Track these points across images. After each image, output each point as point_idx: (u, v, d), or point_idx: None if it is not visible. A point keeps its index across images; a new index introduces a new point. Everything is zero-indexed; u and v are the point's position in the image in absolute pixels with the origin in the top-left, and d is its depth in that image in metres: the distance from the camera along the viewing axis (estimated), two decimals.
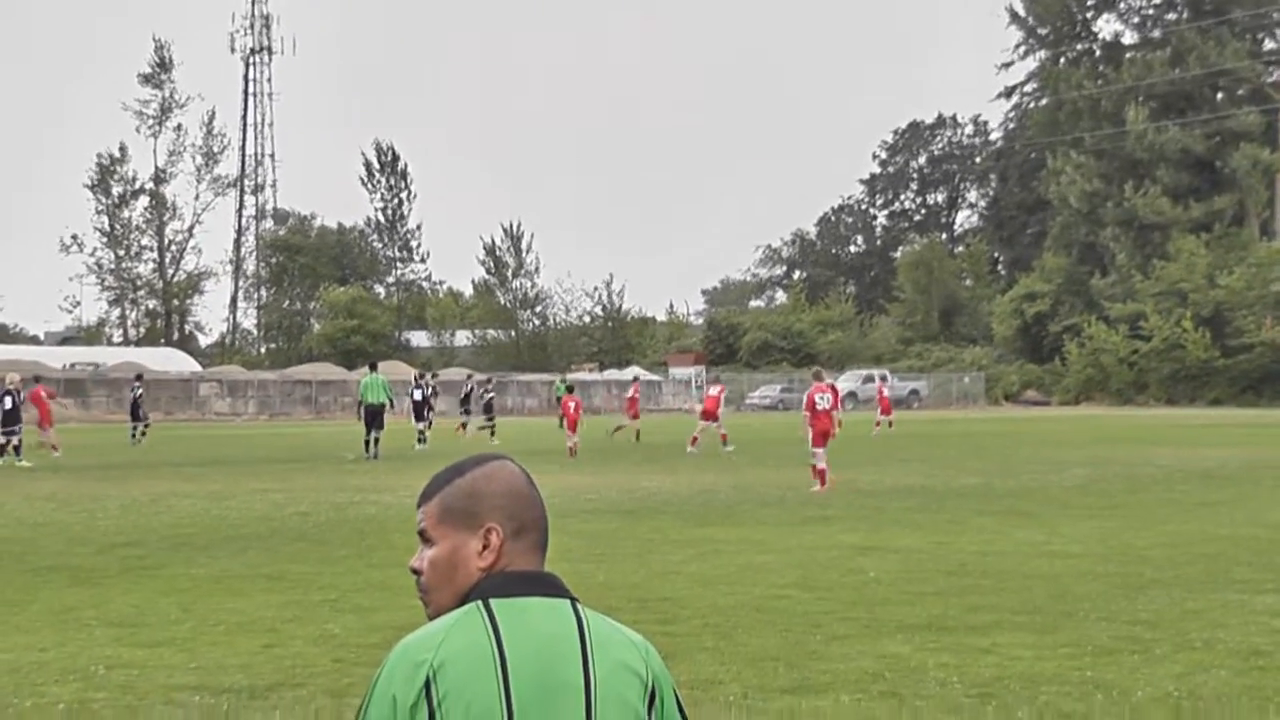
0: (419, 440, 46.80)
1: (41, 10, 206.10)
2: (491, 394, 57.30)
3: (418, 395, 48.78)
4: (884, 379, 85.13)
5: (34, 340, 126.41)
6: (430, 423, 48.45)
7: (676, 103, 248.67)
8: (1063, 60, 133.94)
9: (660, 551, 18.01)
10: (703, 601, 13.93)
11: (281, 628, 12.69)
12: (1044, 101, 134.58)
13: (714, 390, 45.62)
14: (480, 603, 2.99)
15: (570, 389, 49.24)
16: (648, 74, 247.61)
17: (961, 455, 40.23)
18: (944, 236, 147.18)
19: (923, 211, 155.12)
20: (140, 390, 56.10)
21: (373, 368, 46.01)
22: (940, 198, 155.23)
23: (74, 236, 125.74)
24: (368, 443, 40.92)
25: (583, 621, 2.99)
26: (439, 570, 3.09)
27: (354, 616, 13.24)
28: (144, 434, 52.80)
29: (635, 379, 63.06)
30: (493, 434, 53.76)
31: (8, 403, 40.25)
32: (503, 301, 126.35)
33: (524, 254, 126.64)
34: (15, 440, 39.17)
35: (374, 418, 41.55)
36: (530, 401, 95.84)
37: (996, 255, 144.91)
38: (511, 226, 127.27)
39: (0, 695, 10.24)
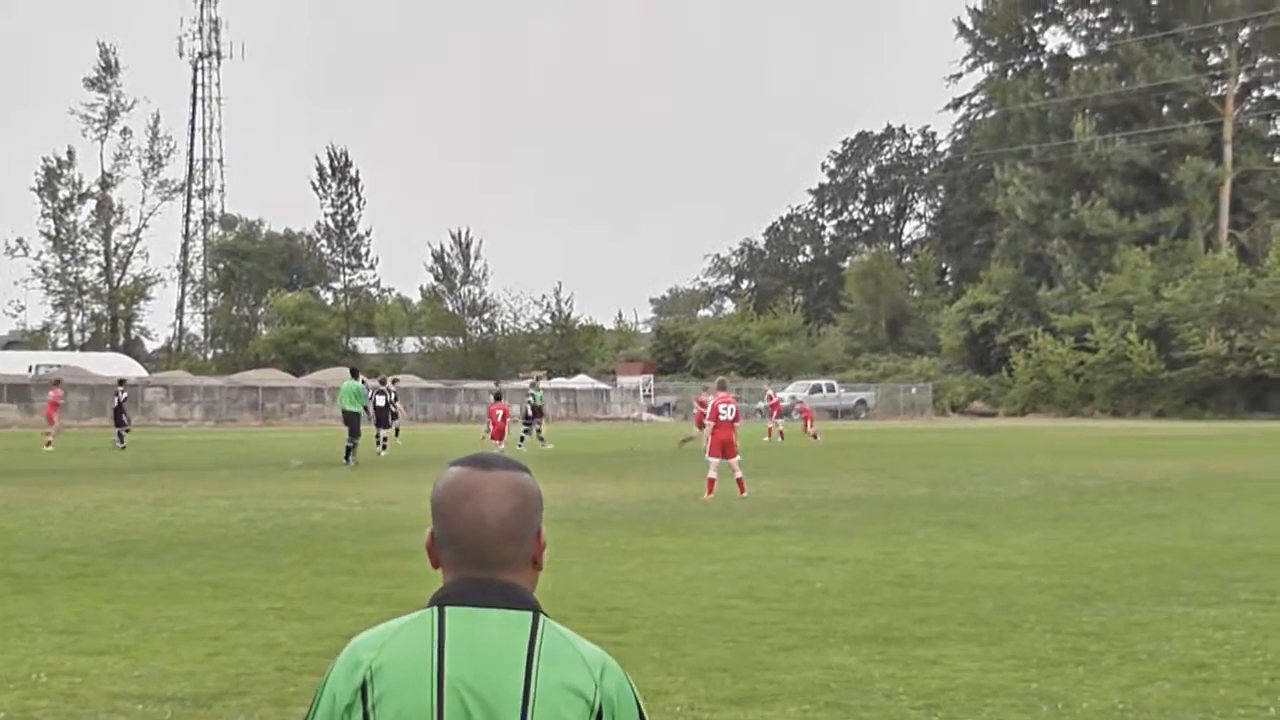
0: (380, 446, 46.75)
1: None
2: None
3: (380, 401, 48.76)
4: (831, 389, 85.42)
5: None
6: (397, 430, 48.48)
7: (624, 111, 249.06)
8: (1010, 72, 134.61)
9: (608, 560, 17.99)
10: (650, 611, 13.93)
11: (226, 635, 12.62)
12: (992, 113, 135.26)
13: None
14: (436, 608, 3.00)
15: (499, 396, 49.11)
16: (595, 82, 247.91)
17: (908, 466, 40.34)
18: (892, 247, 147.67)
19: (871, 222, 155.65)
20: (125, 395, 56.16)
21: (353, 374, 46.13)
22: (888, 208, 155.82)
23: (19, 240, 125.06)
24: (351, 449, 41.01)
25: (536, 637, 2.97)
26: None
27: (300, 624, 13.18)
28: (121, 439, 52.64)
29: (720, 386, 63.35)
30: (539, 438, 53.62)
31: None
32: (451, 309, 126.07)
33: (472, 261, 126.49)
34: None
35: (349, 424, 41.71)
36: (478, 409, 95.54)
37: (944, 266, 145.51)
38: (460, 234, 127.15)
39: None
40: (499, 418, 44.92)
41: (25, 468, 39.23)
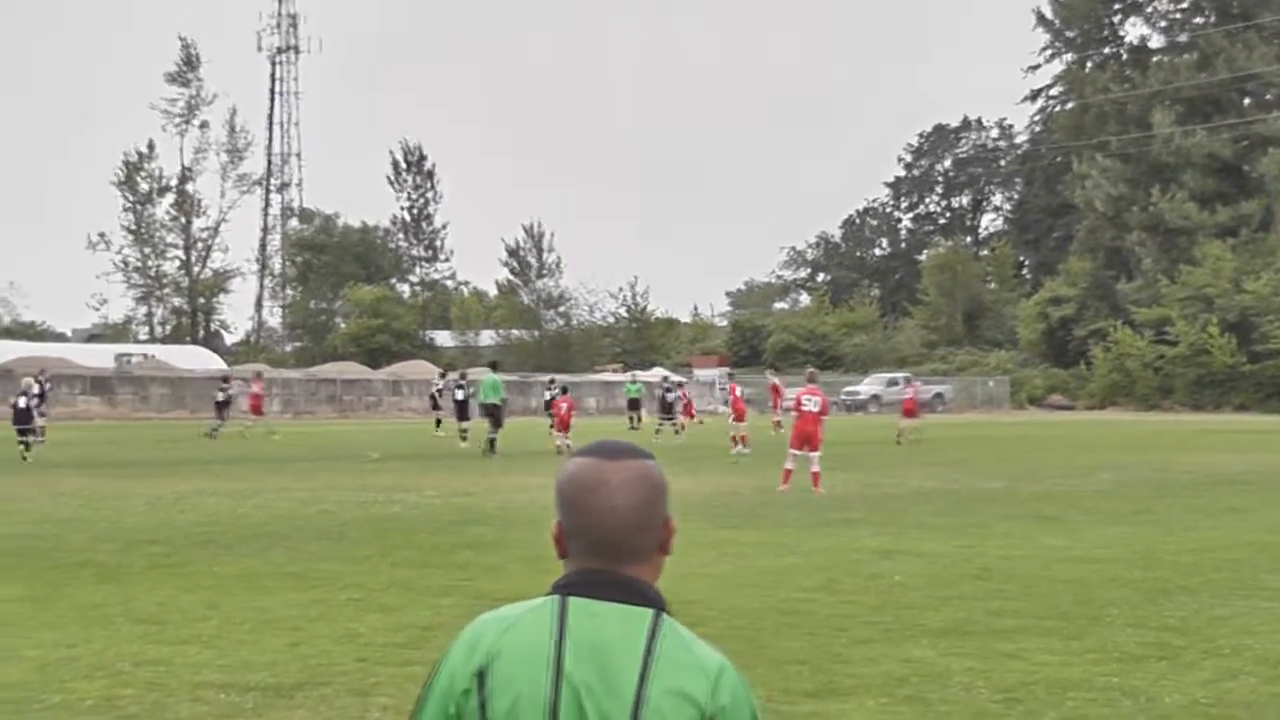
0: (462, 438, 47.09)
1: (70, 10, 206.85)
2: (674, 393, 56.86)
3: (460, 395, 49.11)
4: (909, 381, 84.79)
5: (61, 338, 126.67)
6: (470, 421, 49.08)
7: (702, 103, 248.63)
8: (1089, 64, 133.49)
9: (684, 553, 17.95)
10: (727, 604, 13.92)
11: (306, 626, 12.72)
12: (1070, 105, 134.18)
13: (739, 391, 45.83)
14: (559, 598, 3.00)
15: (564, 390, 49.20)
16: (675, 74, 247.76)
17: (985, 459, 40.12)
18: (969, 240, 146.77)
19: (948, 215, 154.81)
20: (232, 390, 57.42)
21: (492, 367, 46.68)
22: (965, 201, 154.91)
23: (101, 234, 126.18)
24: (493, 440, 41.62)
25: (655, 638, 2.95)
26: None
27: (378, 615, 13.25)
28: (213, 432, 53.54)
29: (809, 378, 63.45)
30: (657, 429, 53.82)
31: (21, 403, 40.69)
32: (526, 301, 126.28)
33: (545, 254, 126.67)
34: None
35: (491, 416, 42.24)
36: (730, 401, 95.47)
37: (1022, 259, 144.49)
38: (532, 227, 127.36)
39: (29, 691, 10.28)
40: (563, 410, 45.04)
41: (106, 460, 39.61)
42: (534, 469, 33.02)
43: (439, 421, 58.24)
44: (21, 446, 40.12)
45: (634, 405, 65.74)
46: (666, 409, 55.23)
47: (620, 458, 3.10)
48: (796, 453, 28.81)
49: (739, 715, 2.98)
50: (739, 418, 43.94)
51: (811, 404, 29.24)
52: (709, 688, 2.94)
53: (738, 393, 45.48)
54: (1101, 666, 10.97)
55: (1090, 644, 11.88)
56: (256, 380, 60.51)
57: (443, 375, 52.40)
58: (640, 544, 3.07)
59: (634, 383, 70.89)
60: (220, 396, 56.92)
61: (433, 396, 62.31)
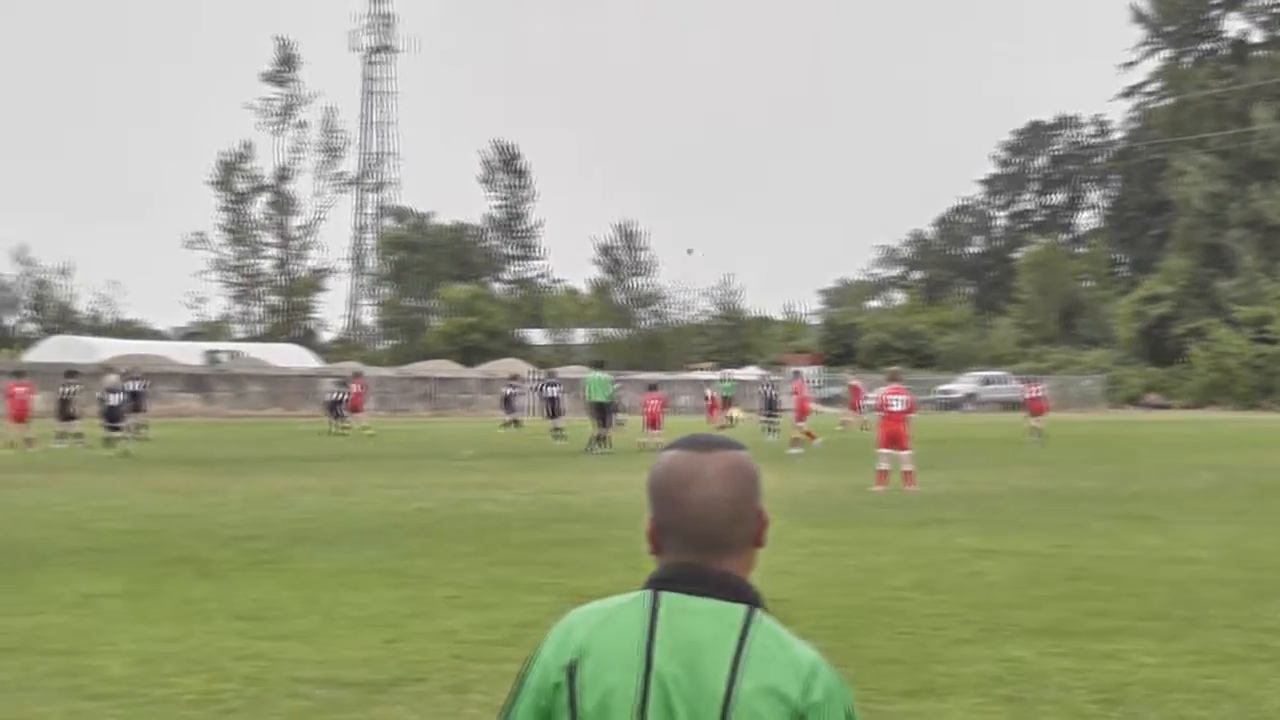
0: (556, 437, 47.36)
1: (167, 11, 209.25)
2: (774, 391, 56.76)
3: (552, 392, 49.57)
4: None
5: (159, 336, 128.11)
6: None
7: (795, 100, 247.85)
8: (1188, 59, 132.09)
9: (775, 551, 17.90)
10: (820, 603, 13.89)
11: (403, 623, 12.80)
12: (1168, 101, 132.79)
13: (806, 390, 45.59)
14: (651, 593, 3.01)
15: (653, 387, 49.18)
16: (768, 69, 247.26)
17: (1081, 458, 39.82)
18: (1064, 237, 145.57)
19: (1043, 212, 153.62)
20: (340, 394, 58.97)
21: (597, 366, 46.83)
22: (1061, 198, 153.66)
23: (198, 233, 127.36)
24: (599, 438, 41.84)
25: (747, 634, 2.95)
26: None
27: (474, 613, 13.31)
28: (343, 430, 55.17)
29: (890, 377, 63.15)
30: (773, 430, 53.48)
31: (113, 400, 41.56)
32: (619, 300, 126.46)
33: (638, 253, 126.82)
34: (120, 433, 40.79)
35: (600, 413, 42.37)
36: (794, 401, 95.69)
37: (1118, 257, 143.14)
38: (625, 225, 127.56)
39: (130, 685, 10.41)
40: (653, 407, 45.15)
41: (204, 456, 40.05)
42: (628, 467, 33.07)
43: (516, 422, 58.49)
44: (108, 441, 41.24)
45: (726, 403, 65.78)
46: (771, 406, 54.92)
47: (713, 449, 3.11)
48: (886, 452, 28.72)
49: (833, 713, 2.97)
50: (800, 416, 43.81)
51: (898, 403, 29.17)
52: (801, 685, 2.94)
53: (805, 392, 45.24)
54: (1201, 668, 10.86)
55: (1190, 645, 11.76)
56: (356, 379, 61.24)
57: (514, 378, 53.00)
58: (735, 536, 3.07)
59: (726, 380, 71.06)
60: (331, 396, 57.96)
61: (506, 398, 62.61)
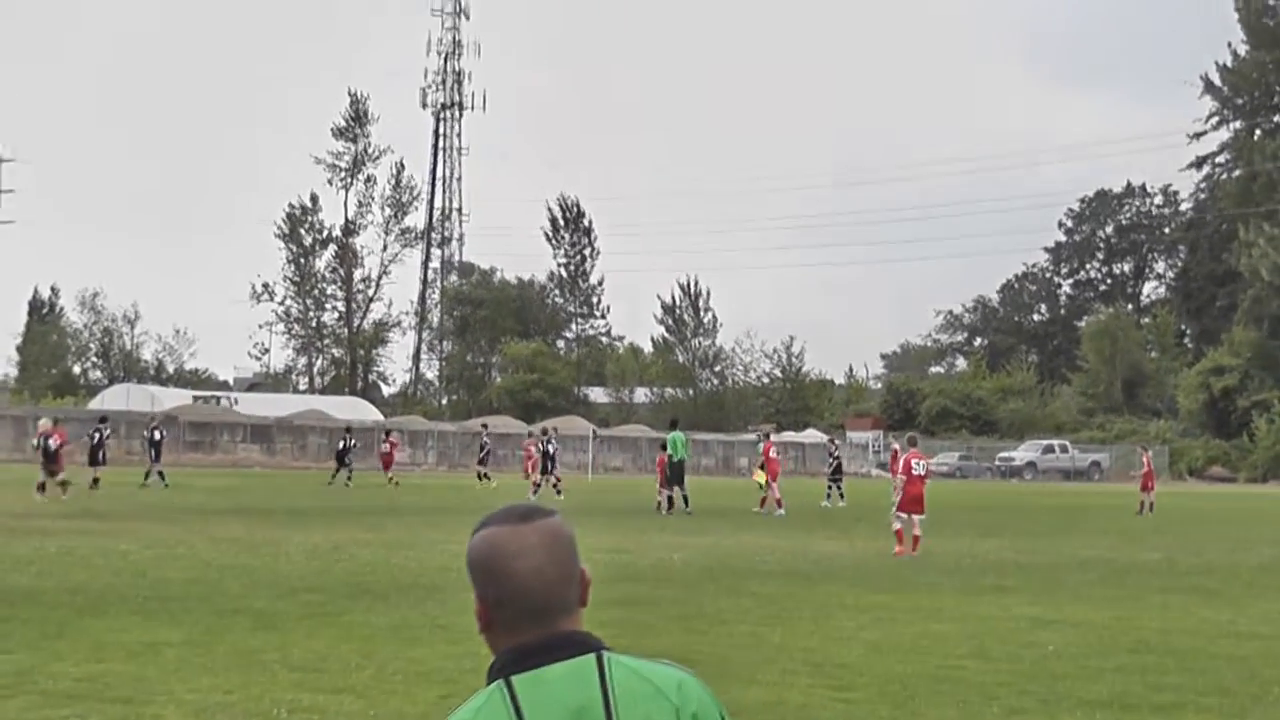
0: (556, 491, 49.07)
1: (235, 62, 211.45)
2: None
3: (550, 448, 50.74)
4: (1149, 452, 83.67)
5: (223, 385, 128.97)
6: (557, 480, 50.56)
7: (861, 163, 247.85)
8: (1258, 131, 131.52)
9: (835, 616, 17.90)
10: (879, 669, 13.82)
11: (459, 678, 12.79)
12: (1237, 172, 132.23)
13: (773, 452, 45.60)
14: (502, 682, 2.97)
15: (767, 436, 49.31)
16: (833, 131, 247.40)
17: (1143, 529, 39.53)
18: (1130, 307, 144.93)
19: (1108, 281, 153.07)
20: (354, 441, 59.94)
21: (674, 425, 46.65)
22: (1127, 267, 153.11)
23: (265, 285, 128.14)
24: (685, 498, 41.76)
25: (606, 681, 2.94)
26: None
27: None
28: (348, 479, 55.90)
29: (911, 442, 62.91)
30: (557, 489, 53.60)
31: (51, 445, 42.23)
32: (681, 359, 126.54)
33: (701, 313, 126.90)
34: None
35: (680, 473, 42.54)
36: (706, 461, 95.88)
37: (1184, 327, 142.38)
38: (688, 284, 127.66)
39: None
40: (771, 456, 45.37)
41: (266, 507, 40.22)
42: (683, 527, 33.03)
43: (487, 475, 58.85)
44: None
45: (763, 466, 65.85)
46: (835, 470, 54.45)
47: (533, 519, 3.12)
48: (904, 516, 28.78)
49: (709, 717, 3.01)
50: (773, 477, 43.93)
51: (920, 467, 29.41)
52: (673, 705, 2.96)
53: (772, 453, 45.24)
54: None
55: None
56: (389, 437, 62.40)
57: (544, 433, 53.68)
58: (567, 599, 3.07)
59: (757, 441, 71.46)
60: (343, 445, 58.73)
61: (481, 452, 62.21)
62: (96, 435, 47.32)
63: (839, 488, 51.68)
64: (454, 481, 66.30)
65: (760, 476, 55.45)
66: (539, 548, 3.06)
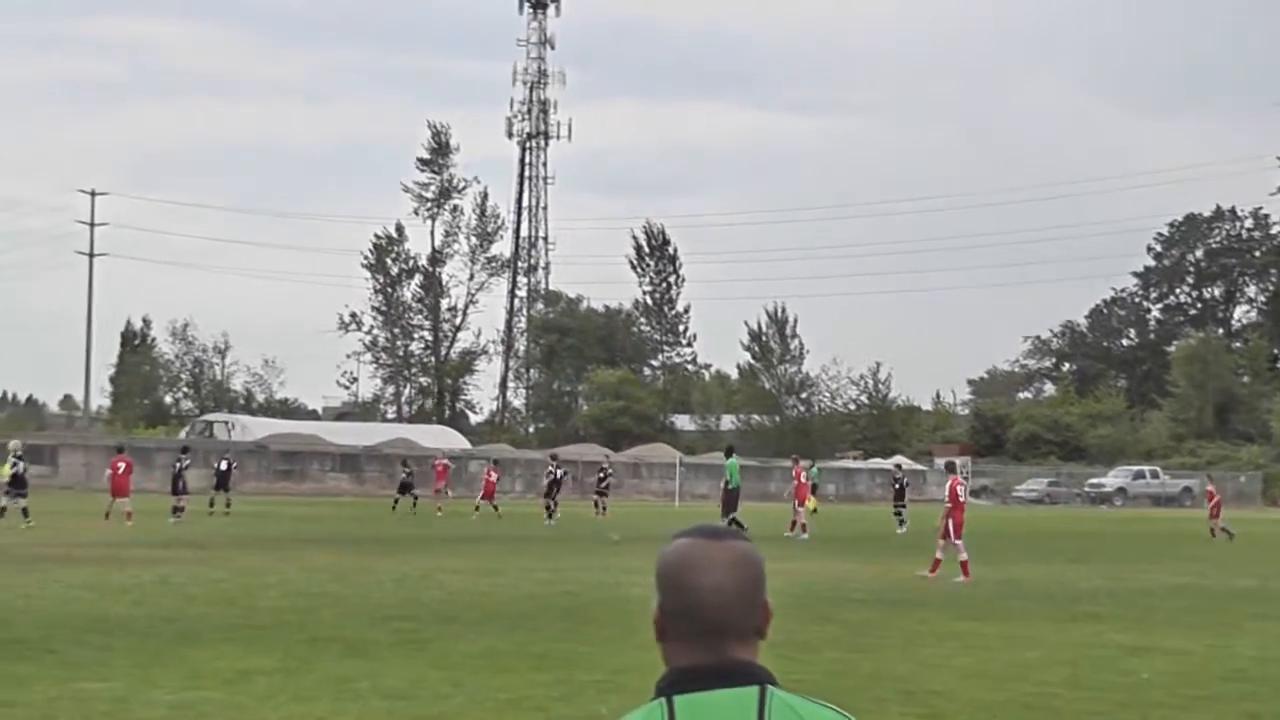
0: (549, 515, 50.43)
1: (324, 93, 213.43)
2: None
3: (555, 475, 51.52)
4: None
5: (312, 415, 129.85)
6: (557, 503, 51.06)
7: (945, 190, 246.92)
8: None
9: (926, 643, 17.84)
10: (970, 696, 13.76)
11: (549, 706, 12.85)
12: None
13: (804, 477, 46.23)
14: (664, 700, 3.01)
15: (798, 459, 50.00)
16: (919, 155, 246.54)
17: (1236, 556, 39.11)
18: (1221, 331, 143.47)
19: (1198, 305, 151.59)
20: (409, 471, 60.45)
21: (730, 453, 46.88)
22: (1217, 292, 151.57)
23: (353, 314, 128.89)
24: (735, 522, 41.84)
25: (765, 713, 2.95)
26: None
27: (620, 698, 13.29)
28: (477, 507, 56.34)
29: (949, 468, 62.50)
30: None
31: (20, 468, 42.39)
32: (768, 386, 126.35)
33: (789, 339, 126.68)
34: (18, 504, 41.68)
35: (734, 499, 42.73)
36: (792, 487, 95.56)
37: (1276, 352, 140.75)
38: (776, 311, 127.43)
39: None
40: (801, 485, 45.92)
41: (355, 536, 40.49)
42: (770, 553, 32.91)
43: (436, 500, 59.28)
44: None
45: (812, 490, 66.63)
46: (899, 497, 54.23)
47: (723, 539, 3.14)
48: (958, 542, 28.65)
49: None
50: (800, 502, 44.69)
51: (965, 493, 29.44)
52: None
53: (802, 478, 45.92)
54: None
55: None
56: (439, 461, 63.02)
57: (553, 459, 55.04)
58: (744, 624, 3.07)
59: (814, 467, 71.90)
60: (405, 476, 59.61)
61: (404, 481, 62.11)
62: (177, 465, 47.84)
63: (902, 514, 51.59)
64: (541, 510, 66.41)
65: (812, 502, 55.53)
66: (723, 566, 3.08)
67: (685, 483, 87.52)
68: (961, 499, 29.34)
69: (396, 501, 59.31)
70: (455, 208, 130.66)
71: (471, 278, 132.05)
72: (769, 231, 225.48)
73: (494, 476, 57.57)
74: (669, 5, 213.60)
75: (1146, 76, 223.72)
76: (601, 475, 58.49)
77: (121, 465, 44.57)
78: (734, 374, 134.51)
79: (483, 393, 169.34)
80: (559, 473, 54.15)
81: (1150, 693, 14.30)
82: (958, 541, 28.81)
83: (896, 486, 54.78)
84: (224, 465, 53.62)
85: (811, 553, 35.97)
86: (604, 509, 55.31)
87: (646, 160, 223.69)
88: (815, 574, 28.60)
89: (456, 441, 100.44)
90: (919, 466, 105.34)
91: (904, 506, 52.45)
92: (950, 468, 31.64)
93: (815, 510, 61.29)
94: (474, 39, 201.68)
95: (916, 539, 42.09)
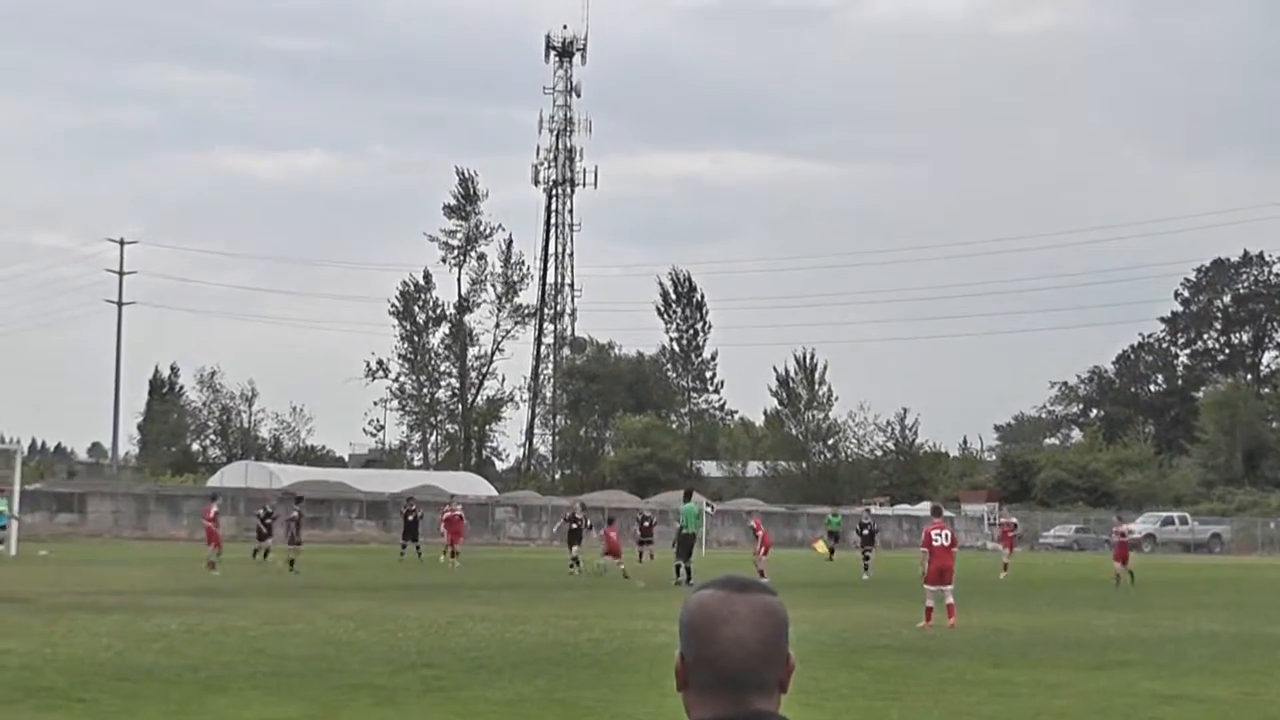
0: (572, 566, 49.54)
1: (351, 142, 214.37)
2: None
3: (576, 522, 51.66)
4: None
5: (339, 462, 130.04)
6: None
7: (973, 236, 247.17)
8: None
9: (954, 691, 17.74)
10: None
11: None
12: None
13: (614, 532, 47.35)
14: None
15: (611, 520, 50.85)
16: (944, 203, 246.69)
17: (1267, 603, 38.88)
18: (1249, 377, 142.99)
19: (1226, 351, 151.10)
20: (419, 512, 60.16)
21: (688, 496, 46.88)
22: (1245, 337, 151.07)
23: (380, 362, 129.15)
24: (688, 570, 41.86)
25: None
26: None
27: None
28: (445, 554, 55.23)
29: (935, 512, 62.12)
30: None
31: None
32: (794, 433, 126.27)
33: (817, 386, 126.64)
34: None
35: (688, 545, 42.76)
36: (819, 534, 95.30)
37: None
38: (804, 357, 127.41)
39: None
40: (613, 539, 46.90)
41: (381, 583, 40.49)
42: (799, 600, 32.81)
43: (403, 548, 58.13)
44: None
45: (834, 537, 68.00)
46: (867, 541, 53.70)
47: (748, 591, 3.15)
48: (933, 589, 28.24)
49: None
50: (764, 550, 45.51)
51: (942, 538, 28.83)
52: None
53: (761, 529, 47.01)
54: None
55: None
56: (450, 507, 60.40)
57: (582, 505, 55.05)
58: (765, 677, 3.09)
59: (835, 515, 72.68)
60: (411, 517, 58.89)
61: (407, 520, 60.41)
62: (296, 513, 48.41)
63: (868, 560, 51.63)
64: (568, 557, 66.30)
65: (821, 546, 55.40)
66: (746, 618, 3.09)
67: (712, 529, 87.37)
68: (936, 544, 28.77)
69: (404, 548, 57.73)
70: (481, 255, 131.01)
71: (498, 325, 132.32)
72: (796, 278, 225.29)
73: (614, 535, 49.73)
74: (694, 53, 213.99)
75: (1174, 121, 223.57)
76: (645, 523, 57.13)
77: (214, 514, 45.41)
78: (760, 419, 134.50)
79: (509, 439, 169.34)
80: (585, 520, 53.75)
81: None
82: (926, 586, 28.44)
83: (865, 532, 54.27)
84: (295, 514, 49.77)
85: (840, 599, 35.84)
86: (650, 556, 54.17)
87: (672, 208, 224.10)
88: (844, 620, 28.52)
89: (483, 489, 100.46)
90: (947, 513, 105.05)
91: (871, 550, 52.34)
92: (935, 512, 31.39)
93: (831, 557, 61.35)
94: (501, 86, 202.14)
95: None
